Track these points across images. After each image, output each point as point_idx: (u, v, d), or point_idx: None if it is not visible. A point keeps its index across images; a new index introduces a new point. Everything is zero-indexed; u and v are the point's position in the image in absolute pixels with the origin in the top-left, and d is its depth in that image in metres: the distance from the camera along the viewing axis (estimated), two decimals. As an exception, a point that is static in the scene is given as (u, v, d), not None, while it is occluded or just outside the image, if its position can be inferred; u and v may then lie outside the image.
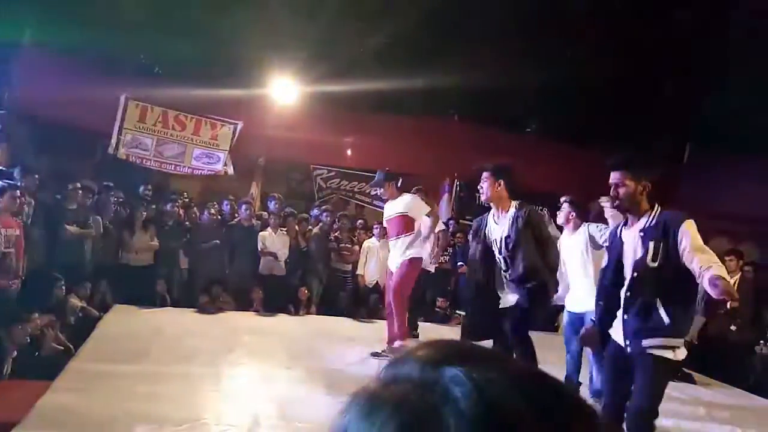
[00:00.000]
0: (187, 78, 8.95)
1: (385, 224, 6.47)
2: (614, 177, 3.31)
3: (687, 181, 10.44)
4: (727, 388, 6.38)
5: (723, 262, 7.65)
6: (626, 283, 3.31)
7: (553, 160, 10.22)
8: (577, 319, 4.76)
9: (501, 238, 4.28)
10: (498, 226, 4.35)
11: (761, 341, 7.01)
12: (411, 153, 10.06)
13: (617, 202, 3.33)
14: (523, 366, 0.45)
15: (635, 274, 3.25)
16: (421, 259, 5.97)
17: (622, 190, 3.29)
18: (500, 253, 4.30)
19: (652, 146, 11.91)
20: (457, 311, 8.24)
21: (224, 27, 9.94)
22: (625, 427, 3.14)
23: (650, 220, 3.29)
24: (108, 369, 4.65)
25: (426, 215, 5.91)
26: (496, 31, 12.16)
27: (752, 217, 9.99)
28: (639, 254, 3.23)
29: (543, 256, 4.25)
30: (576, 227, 5.01)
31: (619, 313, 3.33)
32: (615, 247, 3.43)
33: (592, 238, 4.84)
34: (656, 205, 3.31)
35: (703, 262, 3.03)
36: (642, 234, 3.25)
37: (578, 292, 4.81)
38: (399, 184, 6.19)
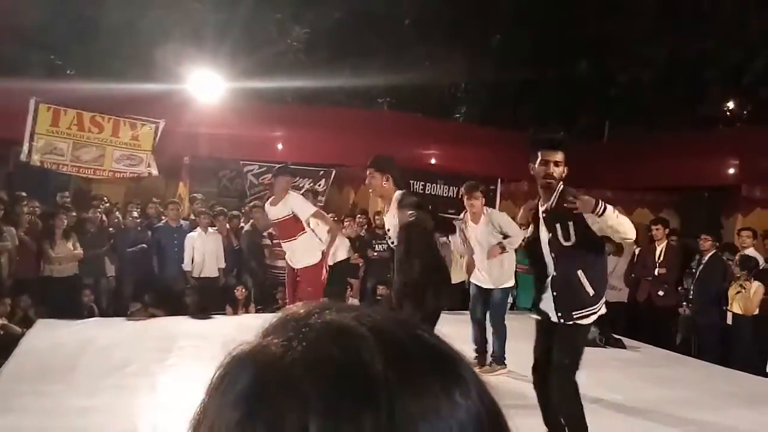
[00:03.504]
0: (102, 77, 8.53)
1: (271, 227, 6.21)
2: (550, 155, 3.35)
3: (608, 157, 10.86)
4: (656, 350, 6.72)
5: (650, 231, 8.07)
6: (550, 261, 3.45)
7: (482, 144, 10.39)
8: (484, 291, 5.47)
9: (389, 227, 4.40)
10: (387, 216, 4.44)
11: (684, 303, 7.39)
12: (342, 144, 10.00)
13: (551, 180, 3.35)
14: (384, 311, 0.45)
15: (553, 255, 3.43)
16: (321, 258, 5.86)
17: (558, 169, 3.34)
18: (390, 240, 4.45)
19: (572, 126, 12.34)
20: None
21: (140, 21, 9.54)
22: (553, 381, 3.42)
23: (553, 201, 3.42)
24: (35, 387, 4.44)
25: (312, 215, 5.79)
26: (421, 20, 12.25)
27: (671, 188, 10.53)
28: (552, 234, 3.41)
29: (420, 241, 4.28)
30: (481, 213, 5.45)
31: (546, 286, 3.49)
32: (535, 225, 3.56)
33: (496, 223, 5.35)
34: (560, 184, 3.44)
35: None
36: (551, 215, 3.41)
37: (494, 271, 5.37)
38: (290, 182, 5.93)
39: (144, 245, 7.74)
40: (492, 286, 5.45)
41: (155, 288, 7.62)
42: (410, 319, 0.46)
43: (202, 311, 7.54)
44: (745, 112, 13.16)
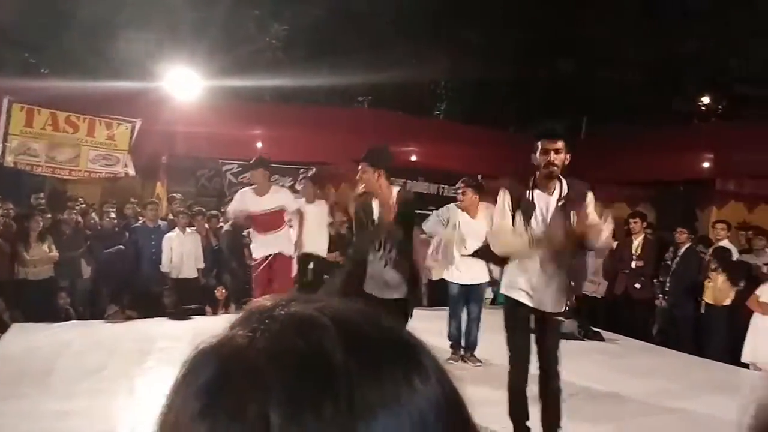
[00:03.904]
0: (77, 76, 8.40)
1: (254, 221, 6.04)
2: (552, 144, 3.40)
3: (586, 152, 10.96)
4: (633, 341, 6.82)
5: (627, 224, 8.17)
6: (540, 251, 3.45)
7: (462, 142, 10.44)
8: (466, 287, 5.55)
9: (378, 224, 4.16)
10: (379, 210, 4.18)
11: (660, 295, 7.50)
12: (322, 142, 9.97)
13: (554, 169, 3.40)
14: (348, 303, 0.45)
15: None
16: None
17: (560, 157, 3.40)
18: (376, 236, 4.20)
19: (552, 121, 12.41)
20: None
21: (116, 19, 9.41)
22: (540, 367, 3.55)
23: (562, 190, 3.47)
24: (11, 391, 4.37)
25: (295, 211, 6.01)
26: (401, 18, 12.24)
27: (647, 183, 10.68)
28: (564, 223, 3.41)
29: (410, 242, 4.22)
30: (478, 209, 5.41)
31: (530, 280, 3.50)
32: (526, 212, 3.51)
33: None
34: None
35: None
36: (562, 203, 3.44)
37: (475, 268, 5.28)
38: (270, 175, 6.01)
39: (121, 246, 7.64)
40: (476, 282, 5.51)
41: (133, 290, 7.52)
42: (373, 309, 0.46)
43: (181, 312, 7.48)
44: (719, 108, 13.39)
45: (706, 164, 10.02)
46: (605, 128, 11.86)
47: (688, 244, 7.41)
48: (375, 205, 4.16)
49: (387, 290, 4.07)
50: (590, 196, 3.55)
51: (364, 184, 4.17)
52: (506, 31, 12.50)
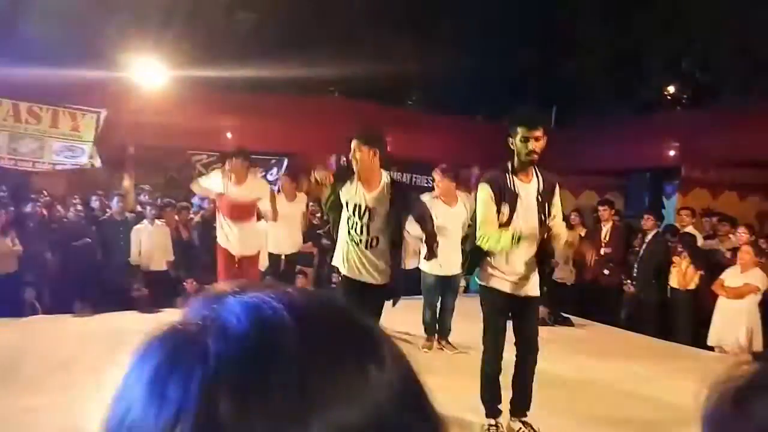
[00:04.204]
0: (39, 65, 8.15)
1: (224, 206, 5.69)
2: (531, 132, 3.40)
3: (555, 142, 11.09)
4: (602, 327, 6.95)
5: (596, 211, 8.30)
6: (525, 236, 3.49)
7: (433, 131, 10.47)
8: (442, 277, 5.48)
9: (365, 207, 3.93)
10: (369, 194, 3.94)
11: (628, 281, 7.65)
12: (293, 132, 9.90)
13: (534, 156, 3.43)
14: (306, 290, 0.45)
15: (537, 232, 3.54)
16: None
17: (540, 145, 3.42)
18: (360, 219, 3.95)
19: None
20: None
21: (79, 6, 9.16)
22: (518, 353, 3.65)
23: (540, 180, 3.54)
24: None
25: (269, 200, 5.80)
26: (372, 6, 12.17)
27: (615, 171, 10.88)
28: (540, 213, 3.52)
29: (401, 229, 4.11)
30: (455, 197, 5.32)
31: (511, 267, 3.58)
32: (512, 200, 3.51)
33: (470, 208, 5.05)
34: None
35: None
36: (541, 194, 3.53)
37: (453, 258, 5.17)
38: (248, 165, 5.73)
39: (88, 239, 7.48)
40: (452, 273, 5.42)
41: (101, 283, 7.39)
42: (330, 296, 0.45)
43: (151, 306, 7.37)
44: (684, 97, 13.65)
45: (671, 152, 10.24)
46: (573, 118, 12.01)
47: (654, 231, 7.57)
48: (360, 187, 3.93)
49: (366, 275, 3.99)
50: (557, 189, 3.65)
51: (358, 163, 3.88)
52: (474, 21, 12.53)
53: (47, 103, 8.43)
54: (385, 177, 4.00)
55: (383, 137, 4.07)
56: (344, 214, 4.00)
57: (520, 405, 3.71)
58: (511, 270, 3.57)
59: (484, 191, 3.54)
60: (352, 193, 3.96)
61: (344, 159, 11.09)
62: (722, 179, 10.34)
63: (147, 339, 0.42)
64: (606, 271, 7.62)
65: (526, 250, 3.55)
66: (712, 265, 6.85)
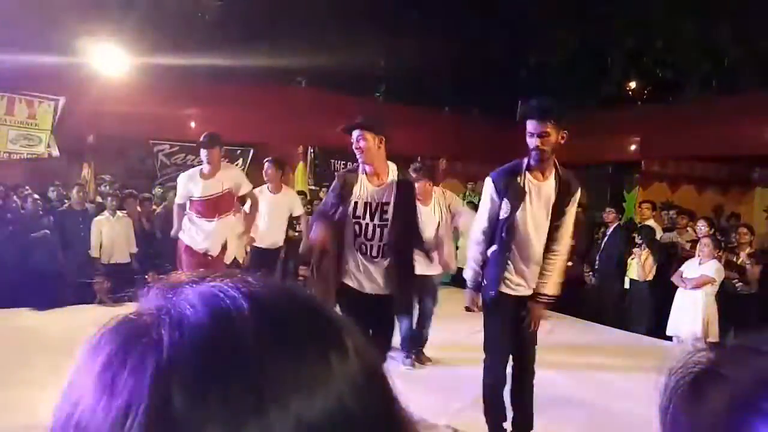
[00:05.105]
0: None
1: (197, 201, 5.13)
2: (537, 126, 3.12)
3: (519, 136, 11.22)
4: (565, 318, 7.09)
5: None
6: (534, 236, 3.28)
7: (402, 123, 10.45)
8: (422, 281, 4.92)
9: (377, 203, 3.50)
10: (379, 189, 3.51)
11: (589, 272, 7.82)
12: (259, 122, 9.77)
13: (539, 152, 3.14)
14: (269, 280, 0.43)
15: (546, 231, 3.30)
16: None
17: (548, 141, 3.12)
18: (372, 219, 3.50)
19: (486, 106, 12.64)
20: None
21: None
22: (515, 362, 3.42)
23: (560, 181, 3.26)
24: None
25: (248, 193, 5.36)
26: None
27: (577, 165, 11.04)
28: (551, 214, 3.27)
29: (414, 228, 3.78)
30: (430, 196, 4.98)
31: (517, 270, 3.33)
32: (517, 198, 3.25)
33: (444, 205, 4.94)
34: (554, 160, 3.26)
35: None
36: (556, 197, 3.26)
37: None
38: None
39: (47, 231, 7.26)
40: (427, 273, 4.86)
41: (61, 276, 7.19)
42: (295, 286, 0.45)
43: (114, 299, 7.22)
44: (645, 92, 13.97)
45: (633, 147, 10.47)
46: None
47: (616, 224, 7.74)
48: (364, 180, 3.51)
49: (364, 284, 3.54)
50: (574, 199, 3.36)
51: (364, 154, 3.44)
52: (441, 13, 12.55)
53: (2, 90, 8.13)
54: (393, 170, 3.55)
55: (386, 124, 3.64)
56: (349, 220, 3.49)
57: (524, 422, 3.45)
58: (515, 271, 3.32)
59: (486, 190, 3.33)
60: (357, 192, 3.49)
61: (312, 150, 11.05)
62: (681, 173, 10.65)
63: (99, 330, 0.41)
64: (570, 263, 7.75)
65: (530, 251, 3.30)
66: (671, 257, 7.04)
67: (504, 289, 3.32)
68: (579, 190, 3.37)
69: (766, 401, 0.39)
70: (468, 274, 3.43)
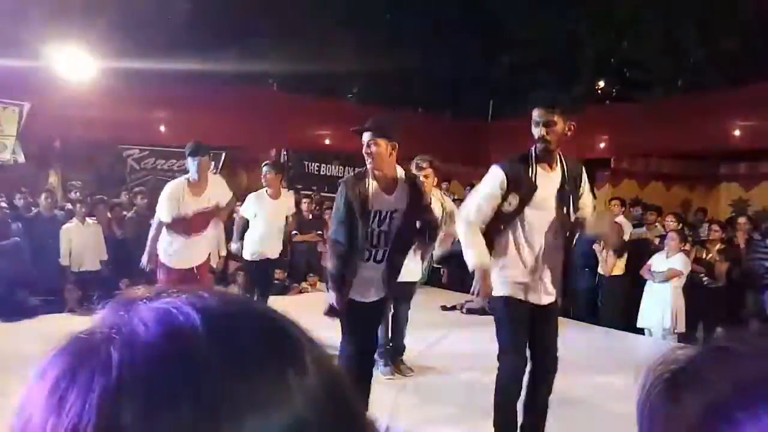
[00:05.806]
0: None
1: (184, 217, 4.88)
2: (542, 116, 3.01)
3: (491, 136, 11.34)
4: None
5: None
6: (542, 235, 3.13)
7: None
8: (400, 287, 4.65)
9: (386, 212, 3.37)
10: (388, 196, 3.38)
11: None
12: (231, 125, 9.68)
13: (544, 143, 3.04)
14: (225, 294, 0.43)
15: (557, 230, 3.14)
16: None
17: (554, 130, 3.01)
18: (379, 226, 3.37)
19: (459, 106, 12.75)
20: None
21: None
22: (539, 363, 3.22)
23: (564, 169, 3.12)
24: None
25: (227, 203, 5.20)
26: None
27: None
28: (563, 208, 3.11)
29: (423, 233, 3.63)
30: (430, 189, 4.63)
31: (529, 272, 3.15)
32: (528, 192, 3.09)
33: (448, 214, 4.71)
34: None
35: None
36: (564, 186, 3.13)
37: (409, 265, 4.26)
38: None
39: (17, 238, 7.10)
40: (407, 280, 4.49)
41: (30, 284, 7.03)
42: (250, 300, 0.44)
43: (87, 307, 7.09)
44: (613, 91, 14.23)
45: (602, 144, 10.65)
46: (509, 110, 12.32)
47: (587, 220, 7.84)
48: (373, 187, 3.35)
49: (371, 292, 3.45)
50: (584, 176, 3.27)
51: (374, 160, 3.29)
52: (412, 15, 12.62)
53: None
54: (402, 176, 3.42)
55: (399, 129, 3.46)
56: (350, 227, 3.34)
57: None
58: (527, 274, 3.13)
59: (492, 178, 3.13)
60: (368, 199, 3.34)
61: (284, 152, 10.99)
62: (649, 170, 10.86)
63: (54, 350, 0.40)
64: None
65: (542, 248, 3.13)
66: (641, 252, 7.17)
67: (511, 291, 3.15)
68: (583, 171, 3.27)
69: (741, 411, 0.38)
70: (470, 254, 3.08)
